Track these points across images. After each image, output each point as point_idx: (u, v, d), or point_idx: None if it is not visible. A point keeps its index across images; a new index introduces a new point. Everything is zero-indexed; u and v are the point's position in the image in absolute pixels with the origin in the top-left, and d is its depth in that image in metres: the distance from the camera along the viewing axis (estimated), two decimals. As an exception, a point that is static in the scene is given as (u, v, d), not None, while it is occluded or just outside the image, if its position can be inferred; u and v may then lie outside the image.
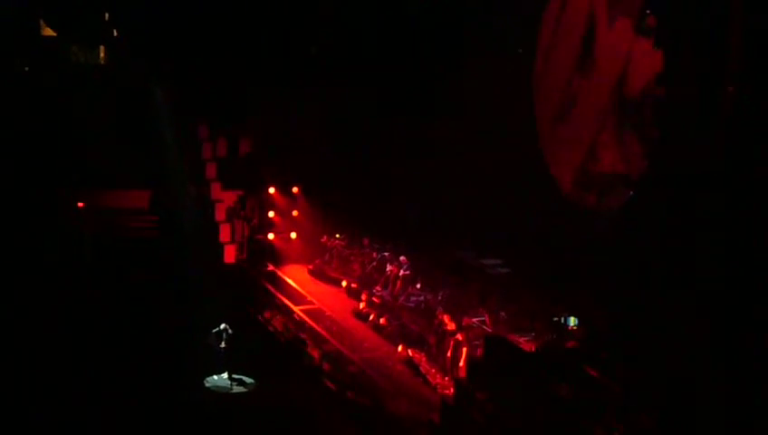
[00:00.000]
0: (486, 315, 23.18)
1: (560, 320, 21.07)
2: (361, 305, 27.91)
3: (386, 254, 29.58)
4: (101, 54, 35.72)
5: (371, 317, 27.02)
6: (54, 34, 33.98)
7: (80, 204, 32.23)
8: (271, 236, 33.82)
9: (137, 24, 34.06)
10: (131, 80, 33.96)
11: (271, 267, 32.71)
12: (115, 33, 35.13)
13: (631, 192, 20.41)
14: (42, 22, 34.06)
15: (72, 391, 22.43)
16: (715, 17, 17.47)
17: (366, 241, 31.48)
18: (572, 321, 20.93)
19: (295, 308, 28.55)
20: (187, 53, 32.59)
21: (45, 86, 32.80)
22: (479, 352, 21.27)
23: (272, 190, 33.96)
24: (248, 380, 24.12)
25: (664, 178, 19.02)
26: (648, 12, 19.64)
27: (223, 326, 24.31)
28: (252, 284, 31.36)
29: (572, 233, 21.88)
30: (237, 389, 23.78)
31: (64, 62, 34.52)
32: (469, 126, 25.57)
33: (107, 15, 35.02)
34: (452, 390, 21.22)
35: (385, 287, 28.24)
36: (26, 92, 32.03)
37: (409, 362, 23.71)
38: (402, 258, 28.12)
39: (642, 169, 19.88)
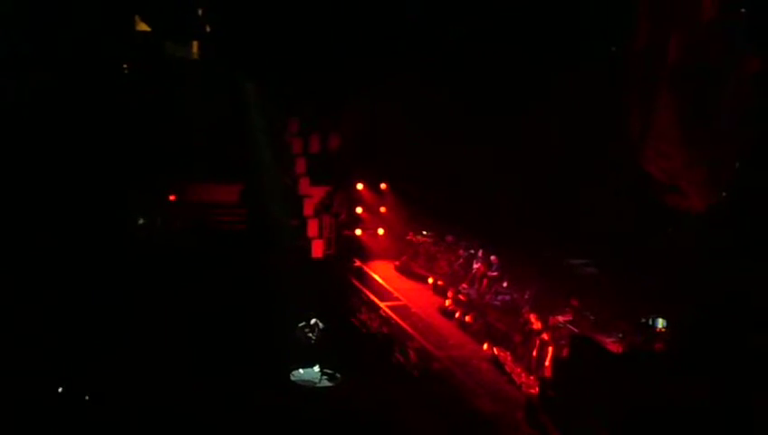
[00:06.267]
0: (573, 315, 23.05)
1: (647, 321, 20.84)
2: (447, 303, 27.98)
3: (472, 251, 29.51)
4: (195, 49, 36.20)
5: (457, 315, 27.07)
6: (149, 30, 34.52)
7: (171, 197, 32.83)
8: (358, 231, 34.04)
9: (230, 19, 34.48)
10: (224, 75, 34.34)
11: (358, 263, 32.96)
12: (208, 29, 35.57)
13: (723, 193, 20.09)
14: (137, 17, 34.60)
15: (158, 385, 22.78)
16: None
17: (450, 238, 31.43)
18: (660, 323, 20.68)
19: (382, 304, 28.75)
20: (279, 48, 32.87)
21: (139, 80, 33.40)
22: (565, 352, 21.21)
23: (360, 186, 34.16)
24: (335, 374, 24.30)
25: (755, 179, 18.75)
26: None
27: (313, 321, 24.60)
28: (339, 279, 31.59)
29: (661, 233, 21.65)
30: (324, 383, 23.98)
31: (158, 56, 35.02)
32: (559, 124, 25.42)
33: (200, 11, 35.48)
34: (537, 389, 21.21)
35: (471, 285, 28.21)
36: (121, 87, 32.62)
37: (495, 361, 23.73)
38: (492, 258, 28.00)
39: (734, 170, 19.57)
